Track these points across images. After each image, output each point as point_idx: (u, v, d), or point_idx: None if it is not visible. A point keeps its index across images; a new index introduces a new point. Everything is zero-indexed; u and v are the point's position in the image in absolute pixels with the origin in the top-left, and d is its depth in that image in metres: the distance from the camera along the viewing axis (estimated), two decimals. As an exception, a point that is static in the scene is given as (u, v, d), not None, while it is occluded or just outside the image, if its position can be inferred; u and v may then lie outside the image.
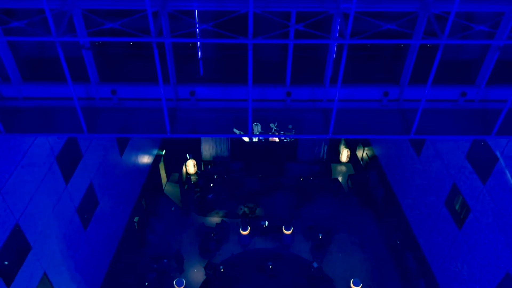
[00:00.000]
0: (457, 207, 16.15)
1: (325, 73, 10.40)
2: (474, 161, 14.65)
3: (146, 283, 20.12)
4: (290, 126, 26.92)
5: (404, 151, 19.62)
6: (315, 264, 21.06)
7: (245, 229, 21.91)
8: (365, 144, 24.67)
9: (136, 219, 21.62)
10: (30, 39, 9.04)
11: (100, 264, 17.28)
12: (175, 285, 19.70)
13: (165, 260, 21.06)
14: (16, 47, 9.88)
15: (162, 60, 9.73)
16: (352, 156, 26.41)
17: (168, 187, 25.10)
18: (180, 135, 10.21)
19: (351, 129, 10.38)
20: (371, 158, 23.88)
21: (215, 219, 23.43)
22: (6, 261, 11.60)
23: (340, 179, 25.59)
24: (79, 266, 15.38)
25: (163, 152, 23.87)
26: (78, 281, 15.43)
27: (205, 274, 20.94)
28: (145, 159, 21.65)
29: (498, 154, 13.38)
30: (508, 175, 13.10)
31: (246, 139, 25.24)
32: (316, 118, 10.57)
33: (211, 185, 24.99)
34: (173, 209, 24.51)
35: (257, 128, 27.09)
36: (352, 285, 19.81)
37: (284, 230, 21.81)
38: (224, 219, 23.27)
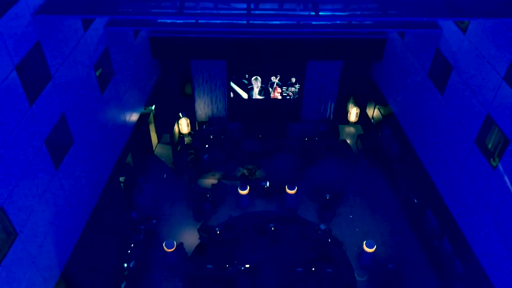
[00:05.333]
0: (490, 144, 13.88)
1: None
2: (516, 80, 12.41)
3: (132, 245, 17.74)
4: (293, 79, 24.45)
5: (425, 95, 17.36)
6: (322, 226, 18.75)
7: (244, 189, 19.59)
8: (377, 102, 22.33)
9: (122, 178, 19.29)
10: None
11: (75, 217, 14.85)
12: (164, 247, 17.36)
13: (153, 221, 18.72)
14: None
15: None
16: (362, 116, 24.08)
17: (159, 149, 22.80)
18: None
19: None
20: (385, 116, 21.53)
21: (210, 181, 21.11)
22: None
23: (348, 141, 23.28)
24: (47, 210, 12.98)
25: (153, 108, 21.53)
26: (47, 228, 13.01)
27: (199, 238, 18.61)
28: (131, 115, 19.29)
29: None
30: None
31: (245, 96, 22.93)
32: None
33: (206, 146, 22.67)
34: (165, 176, 22.30)
35: (256, 84, 24.71)
36: (365, 247, 17.47)
37: (287, 189, 19.48)
38: (222, 180, 20.94)
